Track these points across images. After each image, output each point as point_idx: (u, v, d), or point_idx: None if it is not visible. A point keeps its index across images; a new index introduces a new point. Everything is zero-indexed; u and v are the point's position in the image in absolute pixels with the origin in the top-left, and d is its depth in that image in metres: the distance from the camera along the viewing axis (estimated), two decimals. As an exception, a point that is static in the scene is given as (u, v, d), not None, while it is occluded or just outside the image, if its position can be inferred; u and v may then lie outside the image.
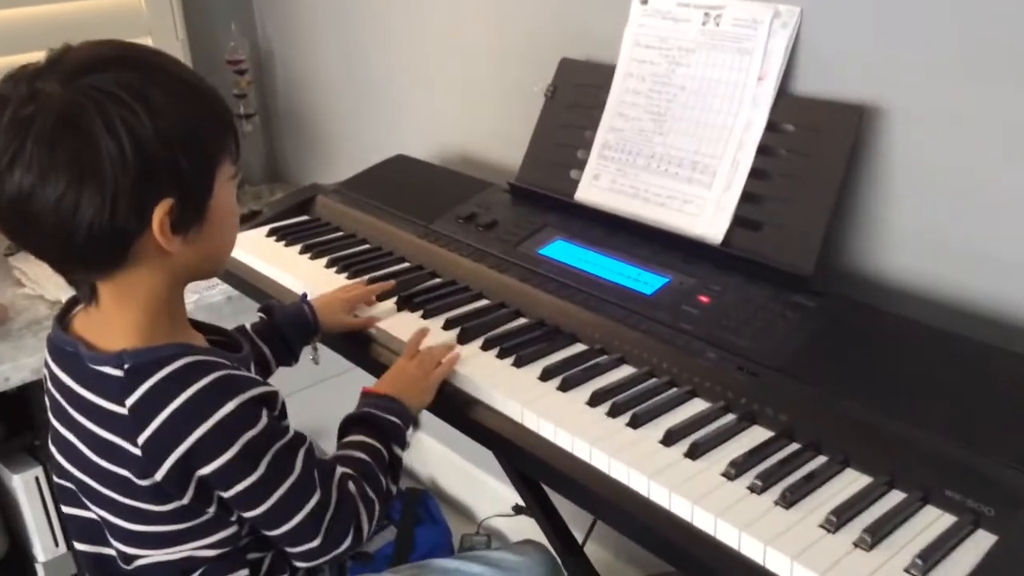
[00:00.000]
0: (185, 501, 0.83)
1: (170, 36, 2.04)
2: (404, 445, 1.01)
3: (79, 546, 0.93)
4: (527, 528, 1.81)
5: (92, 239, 0.77)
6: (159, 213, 0.79)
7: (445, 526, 2.02)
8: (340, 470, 0.92)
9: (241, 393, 0.82)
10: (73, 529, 0.93)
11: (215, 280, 1.60)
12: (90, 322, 0.87)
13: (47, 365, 0.89)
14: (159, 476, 0.81)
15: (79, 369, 0.85)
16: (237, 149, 0.88)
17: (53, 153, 0.75)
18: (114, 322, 0.85)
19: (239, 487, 0.83)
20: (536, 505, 1.50)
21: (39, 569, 1.68)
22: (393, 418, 1.00)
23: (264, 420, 0.84)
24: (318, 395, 1.89)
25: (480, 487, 2.04)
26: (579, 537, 1.57)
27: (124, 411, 0.81)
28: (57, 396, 0.88)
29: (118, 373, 0.82)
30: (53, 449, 0.91)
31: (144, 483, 0.82)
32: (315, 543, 0.88)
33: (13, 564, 1.72)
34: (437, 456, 2.15)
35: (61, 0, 1.86)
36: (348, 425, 1.00)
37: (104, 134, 0.75)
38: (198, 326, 0.95)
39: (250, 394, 0.83)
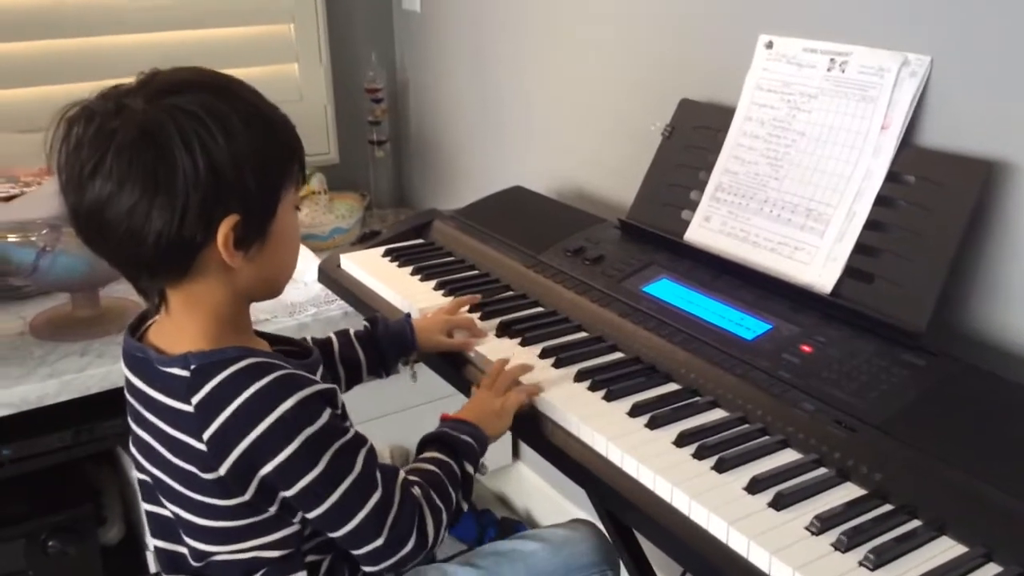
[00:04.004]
0: (247, 498, 0.86)
1: (314, 62, 2.15)
2: (477, 465, 1.02)
3: (155, 542, 0.97)
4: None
5: (160, 248, 0.82)
6: (224, 228, 0.84)
7: (536, 560, 2.01)
8: (405, 475, 0.94)
9: (301, 390, 0.85)
10: (151, 525, 0.97)
11: (333, 295, 1.67)
12: (162, 331, 0.92)
13: (124, 372, 0.95)
14: (223, 471, 0.85)
15: (149, 372, 0.90)
16: (302, 178, 0.92)
17: (132, 164, 0.80)
18: (184, 328, 0.89)
19: (300, 484, 0.85)
20: (623, 547, 1.48)
21: (150, 557, 1.77)
22: (467, 438, 1.02)
23: (325, 417, 0.87)
24: (426, 415, 1.92)
25: (574, 524, 2.03)
26: (667, 585, 1.54)
27: (190, 409, 0.85)
28: (132, 400, 0.93)
29: (184, 373, 0.86)
30: (133, 449, 0.96)
31: (209, 477, 0.86)
32: (378, 542, 0.89)
33: (126, 551, 1.82)
34: (534, 488, 2.15)
35: (216, 26, 2.00)
36: (423, 445, 1.03)
37: (181, 149, 0.80)
38: (268, 339, 0.99)
39: (310, 390, 0.86)
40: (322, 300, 1.77)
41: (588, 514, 1.94)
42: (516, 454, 2.20)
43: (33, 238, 1.51)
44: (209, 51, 1.97)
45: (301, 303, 1.75)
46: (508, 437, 2.09)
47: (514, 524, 2.10)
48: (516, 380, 1.09)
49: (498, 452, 2.15)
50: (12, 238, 1.52)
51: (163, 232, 0.82)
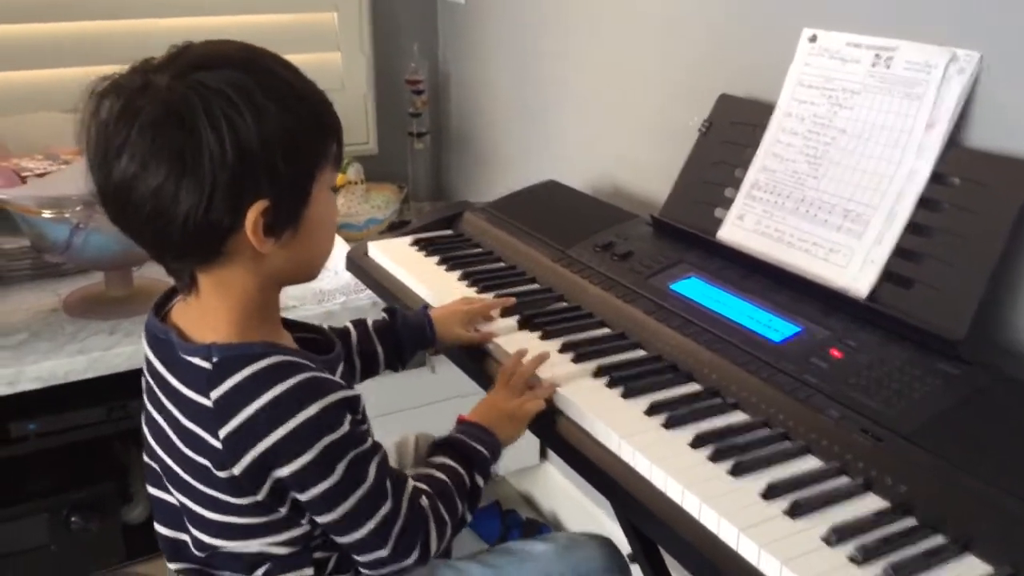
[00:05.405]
0: (259, 497, 0.84)
1: (356, 52, 2.15)
2: (487, 476, 0.99)
3: (159, 528, 0.95)
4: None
5: (187, 231, 0.79)
6: (253, 213, 0.80)
7: (559, 563, 1.98)
8: (415, 484, 0.91)
9: (325, 396, 0.82)
10: (155, 511, 0.95)
11: (362, 285, 1.66)
12: (187, 312, 0.89)
13: (145, 351, 0.92)
14: (236, 471, 0.82)
15: (170, 356, 0.87)
16: (339, 159, 0.88)
17: (157, 143, 0.77)
18: (210, 312, 0.86)
19: (314, 491, 0.83)
20: (643, 556, 1.44)
21: (170, 538, 1.77)
22: (481, 448, 0.99)
23: (346, 426, 0.84)
24: (445, 411, 1.90)
25: (599, 530, 1.99)
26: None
27: (208, 403, 0.82)
28: (150, 380, 0.90)
29: (206, 365, 0.83)
30: (145, 430, 0.93)
31: (222, 474, 0.83)
32: (383, 552, 0.87)
33: (149, 530, 1.82)
34: (561, 491, 2.11)
35: (259, 12, 2.00)
36: (437, 448, 1.00)
37: (207, 129, 0.76)
38: (292, 324, 0.96)
39: (334, 397, 0.83)
40: (352, 289, 1.76)
41: (611, 517, 1.90)
42: (543, 454, 2.17)
43: (67, 215, 1.53)
44: (251, 37, 1.93)
45: (330, 291, 1.75)
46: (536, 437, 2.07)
47: (539, 526, 2.07)
48: (533, 377, 1.05)
49: (525, 452, 2.12)
50: (47, 214, 1.54)
51: (190, 215, 0.78)
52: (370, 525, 0.86)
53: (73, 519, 1.65)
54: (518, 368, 1.07)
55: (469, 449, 0.99)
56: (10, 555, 1.63)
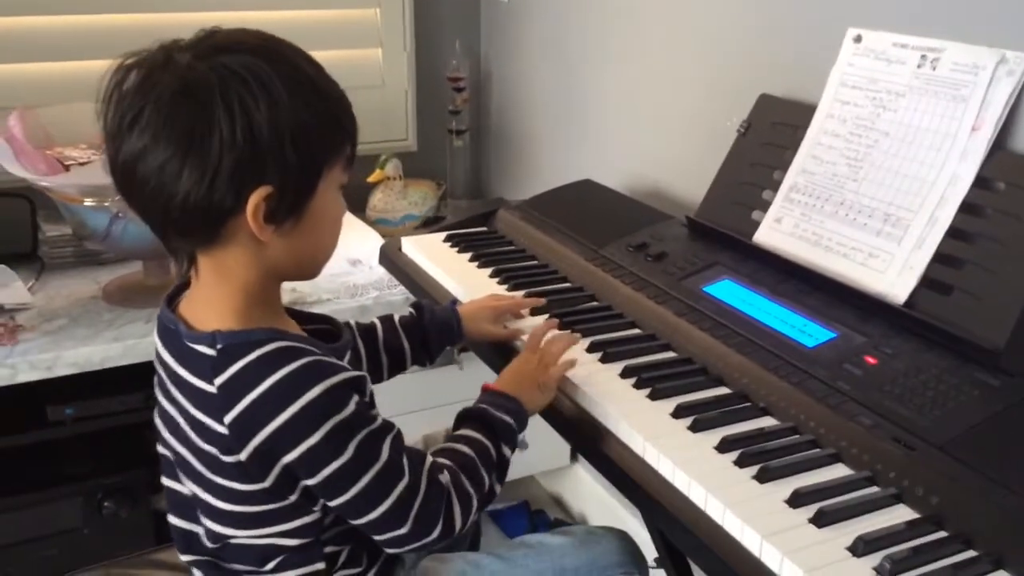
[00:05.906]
0: (267, 484, 0.84)
1: (398, 48, 2.15)
2: (514, 446, 0.98)
3: (172, 519, 0.95)
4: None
5: (187, 209, 0.79)
6: (255, 198, 0.79)
7: (587, 566, 1.96)
8: (434, 460, 0.90)
9: (328, 378, 0.82)
10: (169, 501, 0.95)
11: (395, 280, 1.65)
12: (191, 302, 0.89)
13: (155, 342, 0.92)
14: (243, 456, 0.82)
15: (177, 346, 0.87)
16: (352, 160, 0.87)
17: (169, 119, 0.77)
18: (212, 299, 0.86)
19: (325, 472, 0.82)
20: (669, 560, 1.42)
21: (201, 526, 1.79)
22: (507, 418, 0.97)
23: (352, 406, 0.83)
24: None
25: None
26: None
27: (213, 390, 0.82)
28: (160, 372, 0.91)
29: (210, 352, 0.83)
30: (158, 421, 0.93)
31: (229, 460, 0.83)
32: (403, 530, 0.86)
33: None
34: (591, 493, 2.10)
35: (302, 8, 2.01)
36: (462, 419, 0.99)
37: (220, 109, 0.76)
38: (300, 316, 0.96)
39: (337, 379, 0.83)
40: (385, 284, 1.75)
41: (640, 521, 1.88)
42: (574, 456, 2.15)
43: (107, 203, 1.55)
44: (293, 33, 1.93)
45: (364, 285, 1.75)
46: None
47: (566, 527, 2.05)
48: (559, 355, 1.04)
49: (556, 453, 2.11)
50: (88, 202, 1.56)
51: (191, 193, 0.78)
52: (387, 503, 0.85)
53: (106, 504, 1.67)
54: (548, 337, 1.06)
55: (494, 420, 0.97)
56: (44, 537, 1.66)
